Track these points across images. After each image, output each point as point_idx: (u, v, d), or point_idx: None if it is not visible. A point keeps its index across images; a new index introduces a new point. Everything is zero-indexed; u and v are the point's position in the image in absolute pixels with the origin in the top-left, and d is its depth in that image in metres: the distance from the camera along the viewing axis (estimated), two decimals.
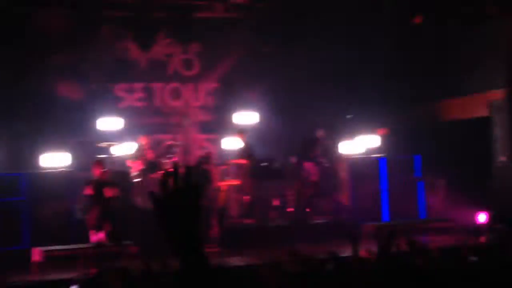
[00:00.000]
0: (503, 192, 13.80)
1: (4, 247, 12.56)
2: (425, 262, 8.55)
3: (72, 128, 14.62)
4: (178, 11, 15.68)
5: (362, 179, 14.75)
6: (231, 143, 15.09)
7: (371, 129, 15.16)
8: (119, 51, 15.53)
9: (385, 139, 15.19)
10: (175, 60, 16.16)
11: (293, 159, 14.95)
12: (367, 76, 15.34)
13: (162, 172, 13.12)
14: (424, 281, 7.63)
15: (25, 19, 14.21)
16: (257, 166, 14.74)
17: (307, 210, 14.61)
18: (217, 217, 13.70)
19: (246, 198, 14.82)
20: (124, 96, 15.67)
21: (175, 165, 3.75)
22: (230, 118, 15.57)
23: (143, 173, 13.96)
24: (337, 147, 15.07)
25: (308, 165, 14.80)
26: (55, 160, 13.40)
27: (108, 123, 14.60)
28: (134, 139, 14.52)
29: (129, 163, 14.15)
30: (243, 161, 14.86)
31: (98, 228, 12.89)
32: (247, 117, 15.41)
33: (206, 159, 14.32)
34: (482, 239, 11.68)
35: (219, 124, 15.93)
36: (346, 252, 9.39)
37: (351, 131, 15.12)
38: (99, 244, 12.63)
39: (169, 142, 14.91)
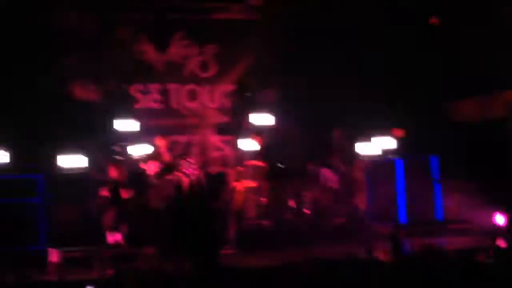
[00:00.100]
0: None
1: (21, 248, 12.65)
2: (441, 264, 8.52)
3: (89, 129, 14.65)
4: (194, 13, 15.73)
5: (379, 181, 14.70)
6: (248, 145, 15.08)
7: (388, 130, 15.11)
8: (135, 52, 15.56)
9: (401, 139, 15.13)
10: (191, 61, 16.18)
11: (312, 166, 14.88)
12: (384, 76, 15.31)
13: (178, 173, 13.07)
14: (440, 283, 7.59)
15: (42, 20, 14.29)
16: (273, 167, 14.74)
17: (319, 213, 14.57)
18: (233, 218, 13.71)
19: (263, 199, 14.83)
20: (140, 98, 15.70)
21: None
22: (246, 120, 15.55)
23: (159, 174, 13.98)
24: (354, 148, 15.01)
25: (326, 172, 14.74)
26: (71, 161, 13.44)
27: (125, 124, 14.63)
28: (150, 140, 14.55)
29: (145, 164, 14.18)
30: (260, 163, 14.87)
31: (115, 230, 12.95)
32: (263, 118, 15.40)
33: (222, 161, 14.34)
34: (500, 241, 11.61)
35: (235, 126, 15.92)
36: (362, 254, 9.39)
37: (368, 131, 15.08)
38: (115, 246, 12.67)
39: (185, 144, 14.95)
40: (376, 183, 14.71)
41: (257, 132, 15.07)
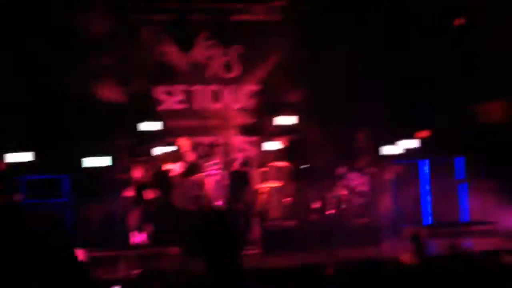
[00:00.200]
0: None
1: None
2: (466, 266, 8.49)
3: (114, 130, 14.74)
4: (218, 14, 15.76)
5: (404, 182, 14.66)
6: (272, 146, 15.10)
7: (413, 131, 15.06)
8: (159, 54, 15.63)
9: (426, 141, 15.08)
10: (215, 62, 16.21)
11: (341, 169, 14.83)
12: (409, 77, 15.27)
13: (202, 174, 13.11)
14: (465, 285, 7.57)
15: (67, 21, 14.38)
16: (298, 168, 14.75)
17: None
18: (257, 219, 13.74)
19: (287, 200, 14.84)
20: (164, 99, 15.76)
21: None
22: (270, 121, 15.57)
23: (183, 175, 14.04)
24: (378, 149, 14.98)
25: (355, 176, 14.69)
26: (97, 162, 13.54)
27: (149, 125, 14.70)
28: (174, 141, 14.61)
29: (169, 165, 14.23)
30: (284, 164, 14.89)
31: (139, 230, 13.02)
32: (287, 119, 15.40)
33: (246, 161, 14.36)
34: None
35: (259, 127, 15.94)
36: (385, 255, 9.39)
37: (392, 133, 15.04)
38: (140, 246, 12.74)
39: (209, 145, 14.98)
40: (401, 184, 14.67)
41: (281, 133, 15.09)
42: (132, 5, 15.19)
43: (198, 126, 15.88)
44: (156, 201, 13.37)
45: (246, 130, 15.99)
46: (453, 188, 14.87)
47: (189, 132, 15.20)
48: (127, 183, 13.52)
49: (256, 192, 14.31)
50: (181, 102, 15.90)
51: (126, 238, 13.16)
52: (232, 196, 13.92)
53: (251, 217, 13.69)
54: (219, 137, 15.62)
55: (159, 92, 15.73)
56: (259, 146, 15.67)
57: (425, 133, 15.04)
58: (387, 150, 14.88)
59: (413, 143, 14.91)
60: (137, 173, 13.32)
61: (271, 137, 15.32)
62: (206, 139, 15.54)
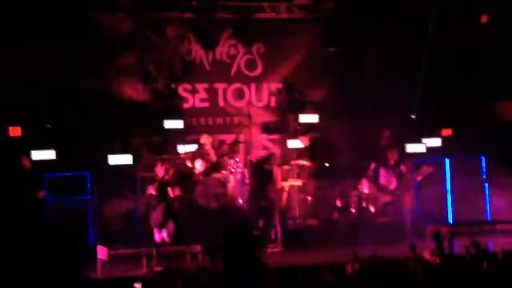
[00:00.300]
0: None
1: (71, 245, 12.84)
2: (489, 265, 8.43)
3: (137, 128, 14.80)
4: (241, 12, 15.77)
5: (427, 181, 14.59)
6: (294, 144, 15.09)
7: (437, 130, 14.99)
8: (183, 52, 15.66)
9: (450, 139, 15.00)
10: (238, 60, 16.22)
11: (365, 168, 14.78)
12: (433, 76, 15.21)
13: (225, 171, 13.10)
14: (488, 284, 7.52)
15: (91, 20, 14.46)
16: (320, 166, 14.74)
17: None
18: (279, 217, 13.73)
19: (309, 198, 14.83)
20: (187, 97, 15.79)
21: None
22: (293, 119, 15.56)
23: (205, 173, 14.06)
24: (402, 148, 14.91)
25: (378, 174, 14.62)
26: (120, 159, 13.59)
27: (172, 123, 14.73)
28: (197, 139, 14.64)
29: (192, 162, 14.27)
30: (307, 162, 14.88)
31: (162, 228, 13.06)
32: (310, 117, 15.38)
33: (268, 159, 14.34)
34: None
35: (282, 125, 15.93)
36: (408, 253, 9.34)
37: (416, 131, 14.98)
38: (162, 243, 12.78)
39: (232, 142, 15.00)
40: (425, 183, 14.60)
41: (304, 131, 15.08)
42: (156, 3, 15.24)
43: (221, 124, 15.91)
44: (179, 199, 13.40)
45: (269, 128, 15.99)
46: (477, 186, 14.79)
47: (212, 130, 15.23)
48: (150, 181, 13.56)
49: (279, 190, 14.30)
50: (204, 100, 15.93)
51: (149, 235, 13.20)
52: (255, 193, 13.93)
53: (273, 215, 13.69)
54: (242, 135, 15.63)
55: (183, 90, 15.76)
56: (281, 144, 15.67)
57: (448, 132, 14.96)
58: (411, 148, 14.80)
59: (437, 142, 14.83)
60: (160, 171, 13.35)
61: (294, 135, 15.31)
62: (229, 137, 15.55)
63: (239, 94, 16.12)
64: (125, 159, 13.54)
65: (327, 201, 14.69)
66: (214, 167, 14.18)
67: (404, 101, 15.68)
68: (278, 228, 13.58)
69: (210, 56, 15.94)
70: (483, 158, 14.85)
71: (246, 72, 16.22)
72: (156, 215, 13.11)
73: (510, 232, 13.43)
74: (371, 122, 15.31)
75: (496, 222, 14.25)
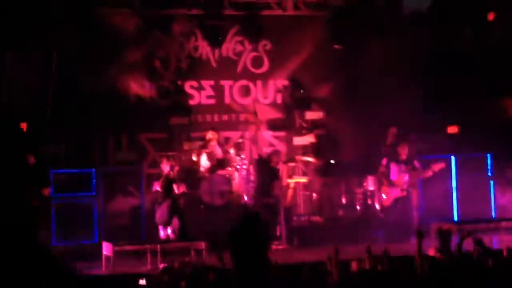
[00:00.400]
0: None
1: (76, 241, 12.92)
2: (494, 263, 8.39)
3: (143, 124, 14.82)
4: (248, 9, 15.76)
5: (433, 178, 14.55)
6: (300, 141, 15.09)
7: (443, 128, 14.96)
8: (189, 48, 15.66)
9: (456, 137, 14.97)
10: (244, 57, 16.21)
11: (371, 165, 14.75)
12: (438, 74, 15.18)
13: (230, 168, 13.09)
14: (493, 282, 7.49)
15: (98, 17, 14.47)
16: (326, 163, 14.73)
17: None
18: (284, 214, 13.73)
19: (315, 195, 14.82)
20: (194, 93, 15.79)
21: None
22: (299, 116, 15.55)
23: (211, 169, 14.07)
24: (408, 145, 14.87)
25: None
26: (125, 156, 13.61)
27: (178, 120, 14.75)
28: (203, 136, 14.65)
29: (197, 159, 14.28)
30: (312, 159, 14.87)
31: (167, 224, 13.07)
32: (316, 114, 15.37)
33: (274, 156, 14.33)
34: None
35: (288, 122, 15.92)
36: (412, 251, 9.31)
37: (422, 129, 14.95)
38: (167, 240, 12.79)
39: (238, 139, 15.00)
40: (431, 180, 14.56)
41: (309, 128, 15.07)
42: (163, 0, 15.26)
43: (227, 121, 15.90)
44: (184, 196, 13.41)
45: (274, 125, 15.98)
46: (482, 184, 14.75)
47: (218, 126, 15.22)
48: (155, 177, 13.59)
49: (284, 187, 14.30)
50: (210, 97, 15.92)
51: (154, 232, 13.22)
52: (260, 191, 13.92)
53: (279, 212, 13.69)
54: (248, 132, 15.61)
55: (189, 87, 15.76)
56: (287, 141, 15.66)
57: (454, 129, 14.92)
58: (417, 145, 14.77)
59: (443, 140, 14.81)
60: (165, 167, 13.37)
61: (299, 132, 15.30)
62: (235, 134, 15.54)
63: (245, 91, 16.11)
64: (131, 155, 13.55)
65: (332, 198, 14.68)
66: (219, 164, 14.19)
67: (411, 99, 15.64)
68: (283, 225, 13.58)
69: (217, 53, 15.93)
70: (489, 156, 14.81)
71: (252, 69, 16.20)
72: (161, 211, 13.13)
73: None
74: (377, 119, 15.28)
75: (502, 220, 14.22)
